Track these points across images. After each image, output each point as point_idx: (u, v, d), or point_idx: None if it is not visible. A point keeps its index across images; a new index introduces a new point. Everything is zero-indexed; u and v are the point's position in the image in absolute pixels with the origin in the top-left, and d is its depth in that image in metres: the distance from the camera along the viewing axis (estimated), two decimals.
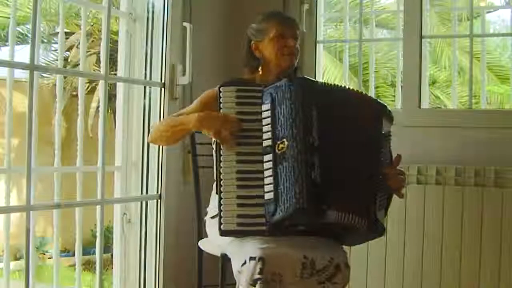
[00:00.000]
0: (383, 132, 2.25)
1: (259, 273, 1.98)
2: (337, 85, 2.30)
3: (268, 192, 2.06)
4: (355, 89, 2.30)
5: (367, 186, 2.16)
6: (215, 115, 2.16)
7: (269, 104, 2.12)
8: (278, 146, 2.07)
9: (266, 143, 2.10)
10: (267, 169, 2.07)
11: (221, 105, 2.17)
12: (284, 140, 2.06)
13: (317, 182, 2.02)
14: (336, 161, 2.09)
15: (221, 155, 2.12)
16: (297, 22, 2.52)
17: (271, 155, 2.07)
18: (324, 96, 2.16)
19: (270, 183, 2.05)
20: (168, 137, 2.36)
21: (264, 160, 2.09)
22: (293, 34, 2.41)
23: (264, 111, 2.13)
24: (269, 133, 2.10)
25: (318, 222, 2.08)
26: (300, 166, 2.02)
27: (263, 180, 2.07)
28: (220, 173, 2.11)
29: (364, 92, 2.37)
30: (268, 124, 2.11)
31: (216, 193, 2.12)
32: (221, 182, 2.09)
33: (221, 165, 2.11)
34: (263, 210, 2.06)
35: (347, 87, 2.28)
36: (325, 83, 2.30)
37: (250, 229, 2.08)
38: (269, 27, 2.40)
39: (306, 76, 2.28)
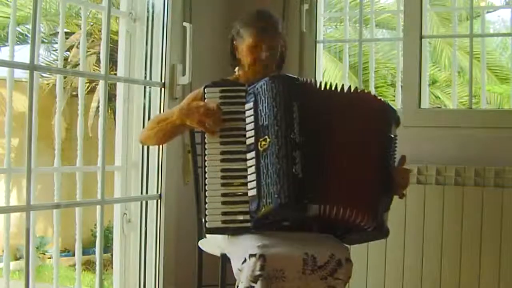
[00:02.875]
0: (390, 135, 2.24)
1: (260, 270, 1.98)
2: (320, 82, 2.26)
3: (251, 189, 2.09)
4: (349, 88, 2.24)
5: (370, 185, 2.15)
6: (195, 104, 2.21)
7: (252, 103, 2.16)
8: (261, 143, 2.09)
9: (249, 141, 2.14)
10: (250, 166, 2.11)
11: None
12: (266, 137, 2.09)
13: (298, 177, 2.03)
14: (323, 156, 2.09)
15: (205, 155, 2.17)
16: (276, 25, 2.45)
17: (254, 152, 2.11)
18: (306, 93, 2.17)
19: (253, 180, 2.08)
20: (156, 134, 2.37)
21: (247, 157, 2.12)
22: (269, 45, 2.39)
23: (247, 110, 2.17)
24: (252, 131, 2.13)
25: (302, 217, 2.08)
26: (282, 162, 2.04)
27: (247, 177, 2.10)
28: (204, 172, 2.15)
29: (363, 91, 2.32)
30: (251, 122, 2.15)
31: (196, 192, 2.15)
32: (206, 180, 2.13)
33: (206, 164, 2.15)
34: (248, 207, 2.08)
35: (336, 85, 2.23)
36: (307, 80, 2.27)
37: (235, 226, 2.11)
38: (247, 34, 2.41)
39: (288, 74, 2.28)
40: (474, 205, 2.86)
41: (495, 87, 10.99)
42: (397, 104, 3.68)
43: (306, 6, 3.40)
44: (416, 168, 2.98)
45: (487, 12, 10.74)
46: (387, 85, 10.74)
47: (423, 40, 3.19)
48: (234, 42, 2.47)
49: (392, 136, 2.25)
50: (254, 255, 2.00)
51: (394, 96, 8.27)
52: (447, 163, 2.97)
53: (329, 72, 10.21)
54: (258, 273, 1.98)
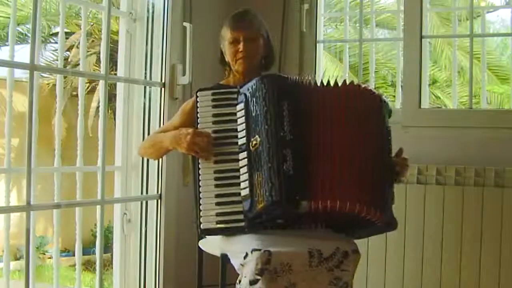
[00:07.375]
0: (384, 127, 2.24)
1: (266, 263, 1.98)
2: (310, 79, 2.26)
3: (244, 188, 2.11)
4: (337, 83, 2.23)
5: (369, 177, 2.14)
6: (185, 133, 2.24)
7: (243, 104, 2.18)
8: (252, 143, 2.12)
9: (241, 141, 2.16)
10: (242, 166, 2.13)
11: (198, 109, 2.25)
12: (257, 136, 2.11)
13: (289, 174, 2.03)
14: (315, 152, 2.09)
15: (199, 158, 2.21)
16: (253, 20, 2.47)
17: (245, 152, 2.13)
18: (296, 91, 2.17)
19: (246, 180, 2.11)
20: (152, 153, 2.53)
21: (240, 158, 2.14)
22: (246, 36, 2.42)
23: (239, 110, 2.19)
24: (244, 131, 2.16)
25: (294, 213, 2.08)
26: (272, 160, 2.06)
27: (240, 177, 2.12)
28: (198, 174, 2.18)
29: (352, 83, 2.27)
30: (242, 123, 2.17)
31: (195, 194, 2.18)
32: (200, 182, 2.17)
33: (199, 166, 2.19)
34: (242, 206, 2.10)
35: (328, 81, 2.23)
36: (297, 78, 2.26)
37: (230, 226, 2.13)
38: (226, 33, 2.48)
39: (277, 73, 2.29)
40: (474, 205, 2.86)
41: (495, 87, 10.98)
42: (397, 104, 3.67)
43: (306, 6, 3.40)
44: (416, 168, 2.98)
45: (487, 12, 10.74)
46: (387, 85, 10.73)
47: (423, 40, 3.19)
48: (222, 48, 2.52)
49: (386, 127, 2.25)
50: (259, 250, 2.00)
51: (394, 96, 8.27)
52: (447, 163, 2.97)
53: (329, 72, 10.20)
54: (264, 266, 1.98)
